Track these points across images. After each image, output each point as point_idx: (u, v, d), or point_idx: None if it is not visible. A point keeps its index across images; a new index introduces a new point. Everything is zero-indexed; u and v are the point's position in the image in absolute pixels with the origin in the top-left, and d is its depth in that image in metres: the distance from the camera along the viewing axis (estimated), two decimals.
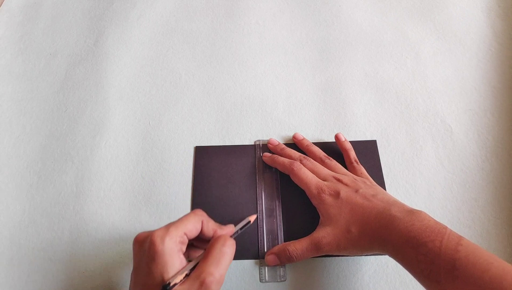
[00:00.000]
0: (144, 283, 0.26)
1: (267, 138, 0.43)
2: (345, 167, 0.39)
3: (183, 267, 0.26)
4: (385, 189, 0.40)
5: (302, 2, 0.56)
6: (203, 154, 0.42)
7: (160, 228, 0.27)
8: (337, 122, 0.44)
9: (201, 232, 0.30)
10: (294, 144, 0.43)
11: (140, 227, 0.38)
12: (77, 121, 0.45)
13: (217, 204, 0.39)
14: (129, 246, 0.37)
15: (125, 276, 0.36)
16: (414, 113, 0.45)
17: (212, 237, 0.30)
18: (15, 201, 0.40)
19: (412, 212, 0.30)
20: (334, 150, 0.42)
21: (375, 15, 0.54)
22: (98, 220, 0.39)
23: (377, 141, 0.43)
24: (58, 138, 0.44)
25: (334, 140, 0.42)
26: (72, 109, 0.46)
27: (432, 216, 0.29)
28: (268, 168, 0.41)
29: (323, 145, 0.42)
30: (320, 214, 0.35)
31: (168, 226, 0.27)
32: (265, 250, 0.37)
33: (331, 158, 0.39)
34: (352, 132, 0.44)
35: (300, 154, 0.40)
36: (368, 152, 0.42)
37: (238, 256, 0.36)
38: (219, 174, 0.41)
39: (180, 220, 0.29)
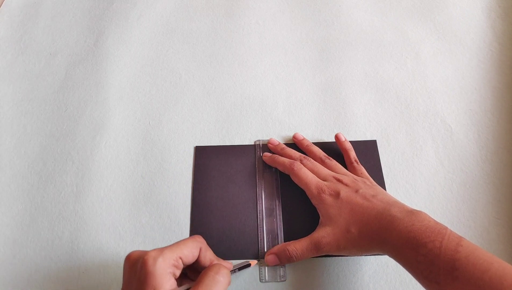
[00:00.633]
0: None
1: (267, 138, 0.43)
2: (345, 167, 0.39)
3: None
4: (385, 189, 0.40)
5: (302, 2, 0.56)
6: (203, 154, 0.42)
7: (155, 249, 0.26)
8: (337, 122, 0.44)
9: (197, 260, 0.29)
10: (294, 144, 0.43)
11: (140, 227, 0.38)
12: (77, 121, 0.45)
13: (217, 203, 0.39)
14: (129, 246, 0.37)
15: None
16: (414, 113, 0.45)
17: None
18: (16, 201, 0.40)
19: (412, 212, 0.30)
20: (334, 150, 0.42)
21: (375, 15, 0.54)
22: (98, 220, 0.39)
23: (377, 141, 0.43)
24: (58, 138, 0.44)
25: (334, 140, 0.42)
26: (72, 109, 0.46)
27: (432, 216, 0.29)
28: (268, 168, 0.41)
29: (323, 145, 0.42)
30: (320, 214, 0.35)
31: (163, 248, 0.26)
32: (265, 250, 0.37)
33: (331, 158, 0.39)
34: (352, 132, 0.44)
35: (300, 154, 0.40)
36: (368, 152, 0.42)
37: (238, 256, 0.37)
38: (219, 174, 0.41)
39: (177, 243, 0.28)
